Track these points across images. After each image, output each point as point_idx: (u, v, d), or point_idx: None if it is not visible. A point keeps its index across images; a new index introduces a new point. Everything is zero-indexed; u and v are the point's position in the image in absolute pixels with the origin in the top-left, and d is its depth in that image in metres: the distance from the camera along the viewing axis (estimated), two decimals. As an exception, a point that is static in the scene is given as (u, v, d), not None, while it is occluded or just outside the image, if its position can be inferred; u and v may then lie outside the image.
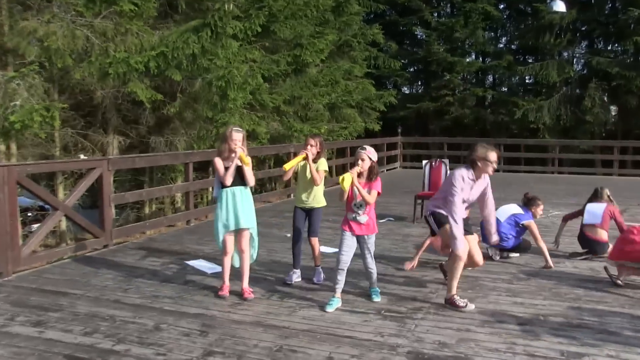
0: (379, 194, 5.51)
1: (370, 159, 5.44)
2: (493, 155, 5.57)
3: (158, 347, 4.49)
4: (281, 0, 14.09)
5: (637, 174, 19.93)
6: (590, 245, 7.26)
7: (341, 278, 5.56)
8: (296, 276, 6.28)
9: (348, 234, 5.54)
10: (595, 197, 7.52)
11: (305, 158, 6.01)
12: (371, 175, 5.46)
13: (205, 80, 12.38)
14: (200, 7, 13.55)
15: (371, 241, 5.61)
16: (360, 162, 5.40)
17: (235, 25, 12.31)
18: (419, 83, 27.47)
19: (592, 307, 5.56)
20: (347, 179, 5.26)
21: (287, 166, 5.90)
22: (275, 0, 13.79)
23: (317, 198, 6.27)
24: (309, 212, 6.28)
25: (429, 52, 23.94)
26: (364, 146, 5.57)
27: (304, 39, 15.65)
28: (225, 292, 5.79)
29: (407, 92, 26.93)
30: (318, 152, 6.11)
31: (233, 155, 5.60)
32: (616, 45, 24.18)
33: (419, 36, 26.21)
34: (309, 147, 6.04)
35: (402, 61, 24.55)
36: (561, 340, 4.69)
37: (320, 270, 6.33)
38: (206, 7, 13.23)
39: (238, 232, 5.81)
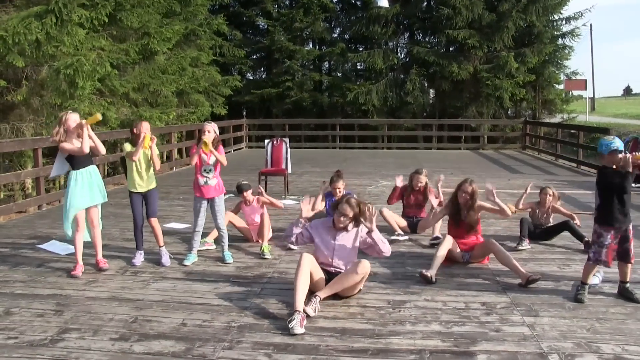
0: (223, 154, 6.01)
1: (215, 131, 5.89)
2: (342, 208, 4.83)
3: (9, 332, 4.17)
4: (128, -11, 13.41)
5: (452, 147, 21.51)
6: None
7: (197, 239, 6.02)
8: (141, 257, 6.03)
9: (200, 199, 5.93)
10: (417, 173, 7.46)
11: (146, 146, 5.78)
12: (216, 144, 5.88)
13: (53, 68, 11.49)
14: (42, -7, 12.50)
15: (221, 202, 6.01)
16: (207, 132, 5.78)
17: (81, 14, 11.54)
18: (262, 69, 27.41)
19: (414, 261, 6.02)
20: (207, 140, 5.75)
21: (147, 144, 5.69)
22: (122, -11, 13.11)
23: (151, 179, 5.97)
24: (145, 195, 5.95)
25: (272, 41, 23.95)
26: (210, 121, 6.01)
27: (151, 28, 15.02)
28: (78, 272, 5.52)
29: (250, 78, 26.79)
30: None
31: (80, 131, 5.49)
32: (432, 37, 25.58)
33: (261, 26, 26.13)
34: (149, 132, 5.78)
35: (246, 49, 24.36)
36: (388, 292, 5.03)
37: (165, 250, 6.07)
38: (49, -6, 12.24)
39: (89, 208, 5.67)
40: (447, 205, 6.14)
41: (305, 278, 4.48)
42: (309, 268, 4.55)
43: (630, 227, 4.86)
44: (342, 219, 4.80)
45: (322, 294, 4.59)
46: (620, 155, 4.67)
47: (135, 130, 5.80)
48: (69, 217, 5.55)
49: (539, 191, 7.19)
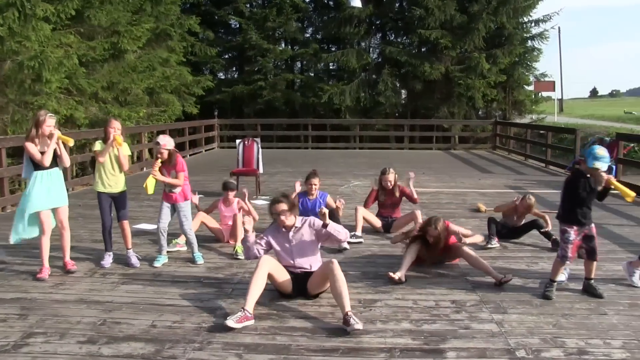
0: (183, 170, 5.86)
1: (167, 149, 5.74)
2: (274, 208, 4.82)
3: (-31, 338, 4.06)
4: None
5: (423, 147, 21.74)
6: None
7: (163, 241, 5.98)
8: (110, 259, 5.95)
9: (165, 203, 5.92)
10: (383, 174, 7.47)
11: (119, 143, 5.67)
12: (171, 160, 5.78)
13: (16, 62, 11.22)
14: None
15: (186, 207, 5.94)
16: (159, 157, 5.72)
17: (46, 8, 11.30)
18: (234, 69, 27.29)
19: (385, 260, 6.06)
20: (150, 183, 5.67)
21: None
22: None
23: (120, 181, 5.88)
24: (115, 197, 5.87)
25: (244, 39, 23.82)
26: (158, 140, 5.77)
27: (121, 27, 14.82)
28: (44, 274, 5.42)
29: (222, 77, 26.65)
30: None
31: (49, 140, 5.35)
32: (404, 37, 25.76)
33: (233, 25, 26.04)
34: (116, 130, 5.66)
35: (218, 48, 24.22)
36: (359, 291, 5.06)
37: (133, 252, 5.98)
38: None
39: (56, 210, 5.57)
40: (417, 245, 5.74)
41: (260, 281, 4.46)
42: (265, 271, 4.54)
43: (592, 225, 5.00)
44: (282, 217, 4.76)
45: (347, 307, 4.27)
46: (602, 174, 4.75)
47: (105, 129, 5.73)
48: (24, 217, 5.40)
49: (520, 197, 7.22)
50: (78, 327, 4.24)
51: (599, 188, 4.84)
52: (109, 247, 5.97)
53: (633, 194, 4.85)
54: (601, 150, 4.77)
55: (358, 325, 4.12)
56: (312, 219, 4.96)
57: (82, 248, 6.52)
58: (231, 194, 6.94)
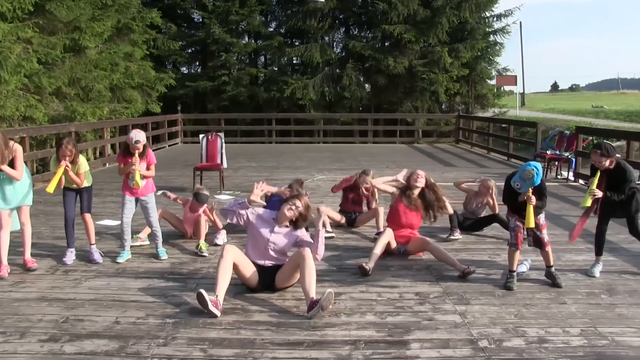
0: (154, 162, 5.94)
1: (142, 140, 5.69)
2: (295, 201, 4.93)
3: None
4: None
5: (387, 141, 21.94)
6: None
7: (127, 236, 5.86)
8: (72, 255, 5.83)
9: (128, 197, 5.82)
10: (366, 174, 7.29)
11: (65, 170, 5.50)
12: (144, 153, 5.76)
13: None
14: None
15: (151, 200, 5.90)
16: (136, 153, 5.66)
17: (1, 4, 11.00)
18: (197, 64, 27.00)
19: (349, 254, 6.12)
20: (138, 179, 5.60)
21: (50, 188, 5.42)
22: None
23: (85, 179, 5.77)
24: (80, 192, 5.79)
25: (207, 34, 23.60)
26: (138, 139, 5.67)
27: (83, 23, 14.51)
28: (3, 272, 5.28)
29: (185, 71, 26.35)
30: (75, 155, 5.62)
31: None
32: (368, 32, 25.88)
33: (196, 19, 25.80)
34: (67, 158, 5.47)
35: (181, 43, 23.93)
36: (323, 284, 5.06)
37: (96, 248, 5.87)
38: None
39: (18, 209, 5.48)
40: (386, 237, 5.88)
41: (227, 270, 4.50)
42: (231, 259, 4.56)
43: (540, 217, 5.11)
44: (293, 207, 4.83)
45: (312, 294, 4.39)
46: (527, 195, 4.90)
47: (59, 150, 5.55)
48: None
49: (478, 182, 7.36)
50: (39, 325, 4.17)
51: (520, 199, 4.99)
52: (71, 243, 5.85)
53: (532, 225, 4.90)
54: (529, 173, 4.82)
55: (329, 290, 4.35)
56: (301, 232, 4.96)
57: (43, 245, 6.41)
58: (201, 207, 6.64)
